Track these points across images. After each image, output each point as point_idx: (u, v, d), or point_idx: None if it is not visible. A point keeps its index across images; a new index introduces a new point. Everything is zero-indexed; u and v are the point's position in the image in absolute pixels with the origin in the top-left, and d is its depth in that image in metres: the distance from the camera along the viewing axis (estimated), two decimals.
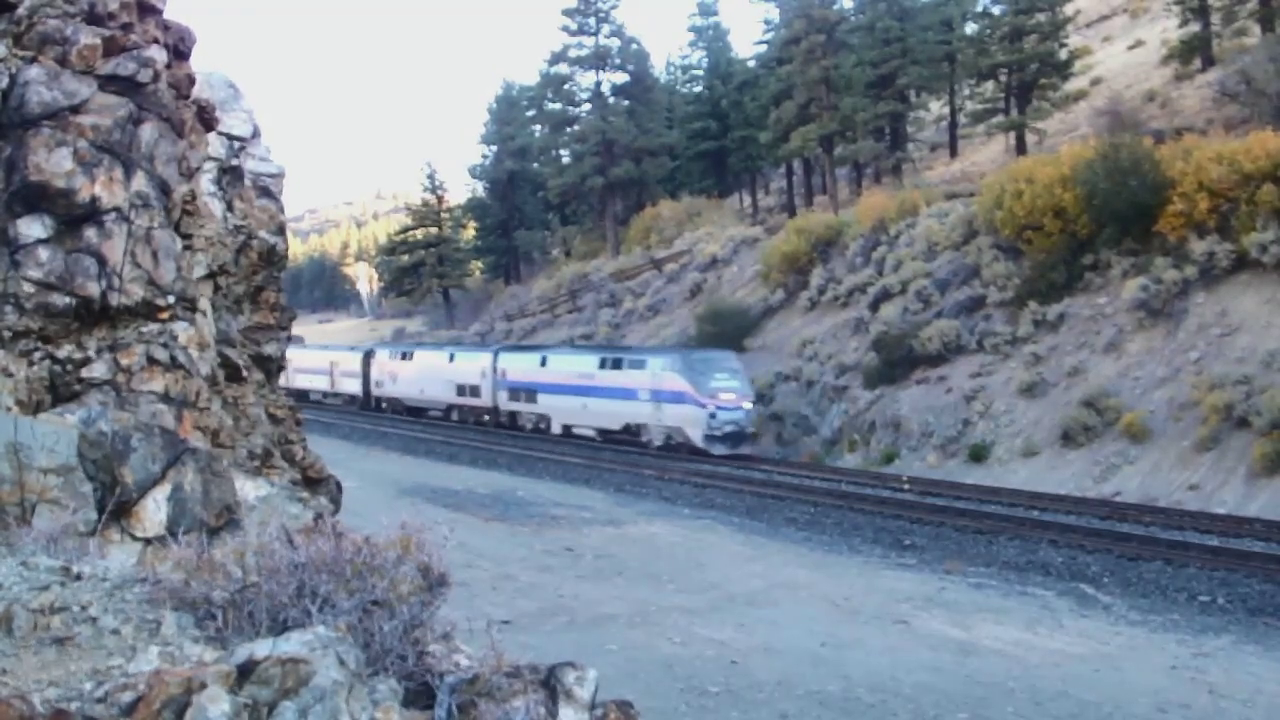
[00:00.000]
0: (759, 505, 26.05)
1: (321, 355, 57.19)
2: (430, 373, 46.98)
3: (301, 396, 52.02)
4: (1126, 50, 57.74)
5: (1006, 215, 35.22)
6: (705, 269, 53.85)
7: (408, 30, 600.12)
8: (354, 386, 53.60)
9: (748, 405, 33.46)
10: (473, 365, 44.32)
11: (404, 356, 50.16)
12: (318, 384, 56.18)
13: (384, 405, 50.73)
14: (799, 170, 63.14)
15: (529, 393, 40.80)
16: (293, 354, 60.26)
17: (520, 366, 41.78)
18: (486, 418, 43.25)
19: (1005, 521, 22.79)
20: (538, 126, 77.89)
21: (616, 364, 36.61)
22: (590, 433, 37.79)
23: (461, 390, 44.63)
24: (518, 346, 49.03)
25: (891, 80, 53.06)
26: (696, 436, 32.91)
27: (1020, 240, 35.03)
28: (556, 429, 39.30)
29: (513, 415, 42.04)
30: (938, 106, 61.13)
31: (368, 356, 52.94)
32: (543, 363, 40.62)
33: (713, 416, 32.54)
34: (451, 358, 46.33)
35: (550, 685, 4.39)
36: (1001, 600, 17.40)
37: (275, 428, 10.50)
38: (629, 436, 36.04)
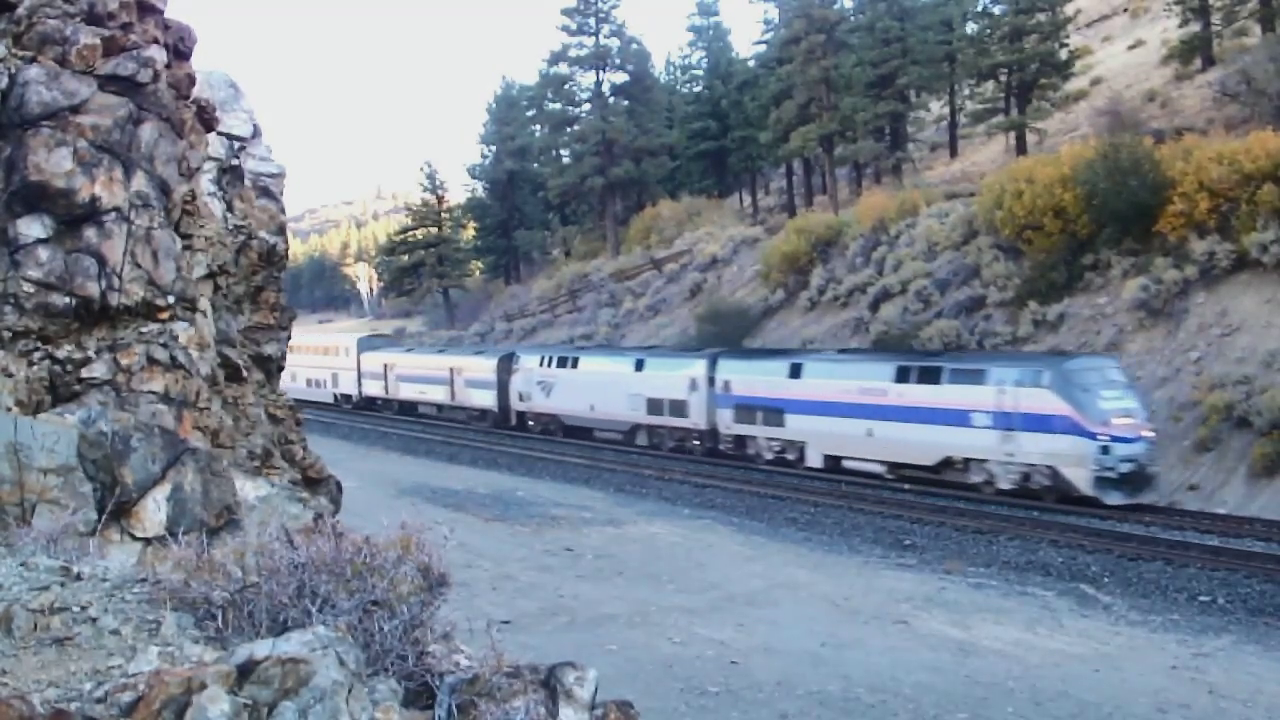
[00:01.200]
0: (759, 505, 26.05)
1: (437, 360, 47.28)
2: (606, 384, 36.29)
3: (406, 409, 49.01)
4: (1126, 50, 57.74)
5: (1006, 215, 35.22)
6: (705, 269, 53.87)
7: (408, 30, 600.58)
8: (485, 399, 43.27)
9: (1148, 434, 23.89)
10: (674, 376, 33.97)
11: (563, 363, 39.30)
12: (430, 395, 46.73)
13: (531, 423, 40.74)
14: (799, 170, 63.13)
15: (771, 412, 30.77)
16: (395, 357, 53.15)
17: (755, 378, 31.58)
18: (696, 443, 33.42)
19: (1005, 521, 22.79)
20: (538, 126, 77.91)
21: (930, 375, 26.60)
22: (875, 468, 28.14)
23: (656, 407, 34.34)
24: (748, 352, 36.74)
25: (891, 80, 53.06)
26: (1080, 479, 23.32)
27: (1020, 240, 35.03)
28: (814, 461, 29.69)
29: (739, 441, 32.23)
30: (938, 106, 61.11)
31: (507, 362, 42.32)
32: (794, 373, 30.34)
33: (1104, 451, 22.97)
34: (640, 365, 35.49)
35: (550, 685, 4.39)
36: (1001, 600, 17.40)
37: (275, 428, 10.51)
38: (950, 476, 26.52)
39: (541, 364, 40.29)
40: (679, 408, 33.78)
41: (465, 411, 45.30)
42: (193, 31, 9.17)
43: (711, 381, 32.75)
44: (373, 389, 52.05)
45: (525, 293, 70.15)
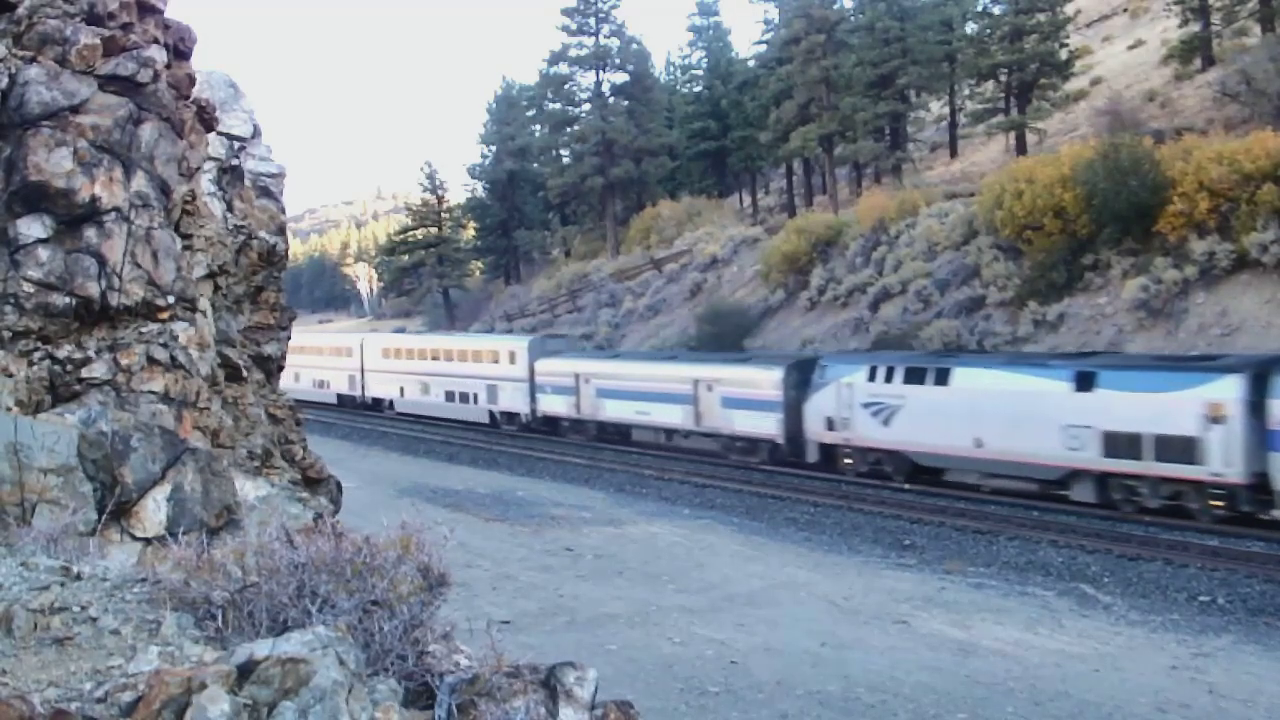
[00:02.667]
0: (759, 505, 26.04)
1: (670, 370, 34.14)
2: (1012, 409, 24.41)
3: (613, 434, 36.90)
4: (1126, 50, 57.75)
5: (1006, 215, 35.23)
6: (705, 269, 53.88)
7: (408, 30, 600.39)
8: (759, 425, 30.93)
9: None
10: (1170, 399, 21.77)
11: (918, 376, 26.99)
12: (657, 416, 34.30)
13: (847, 461, 28.93)
14: (799, 170, 63.14)
15: None
16: (594, 365, 38.11)
17: None
18: (1219, 503, 21.26)
19: (1005, 522, 22.79)
20: (538, 126, 77.92)
21: None
22: None
23: (1128, 446, 22.29)
24: None
25: (891, 80, 53.07)
26: None
27: (1020, 240, 35.04)
28: None
29: None
30: (938, 106, 61.13)
31: (802, 373, 30.35)
32: None
33: None
34: (1087, 380, 23.32)
35: (550, 685, 4.39)
36: (1001, 600, 17.40)
37: (275, 428, 10.51)
38: None
39: (874, 377, 27.91)
40: (1182, 448, 21.41)
41: (719, 441, 32.60)
42: (193, 31, 9.17)
43: (1257, 408, 20.64)
44: (555, 406, 38.99)
45: (525, 293, 70.14)
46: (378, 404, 50.58)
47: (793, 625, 15.91)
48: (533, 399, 40.06)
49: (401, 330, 69.76)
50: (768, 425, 30.63)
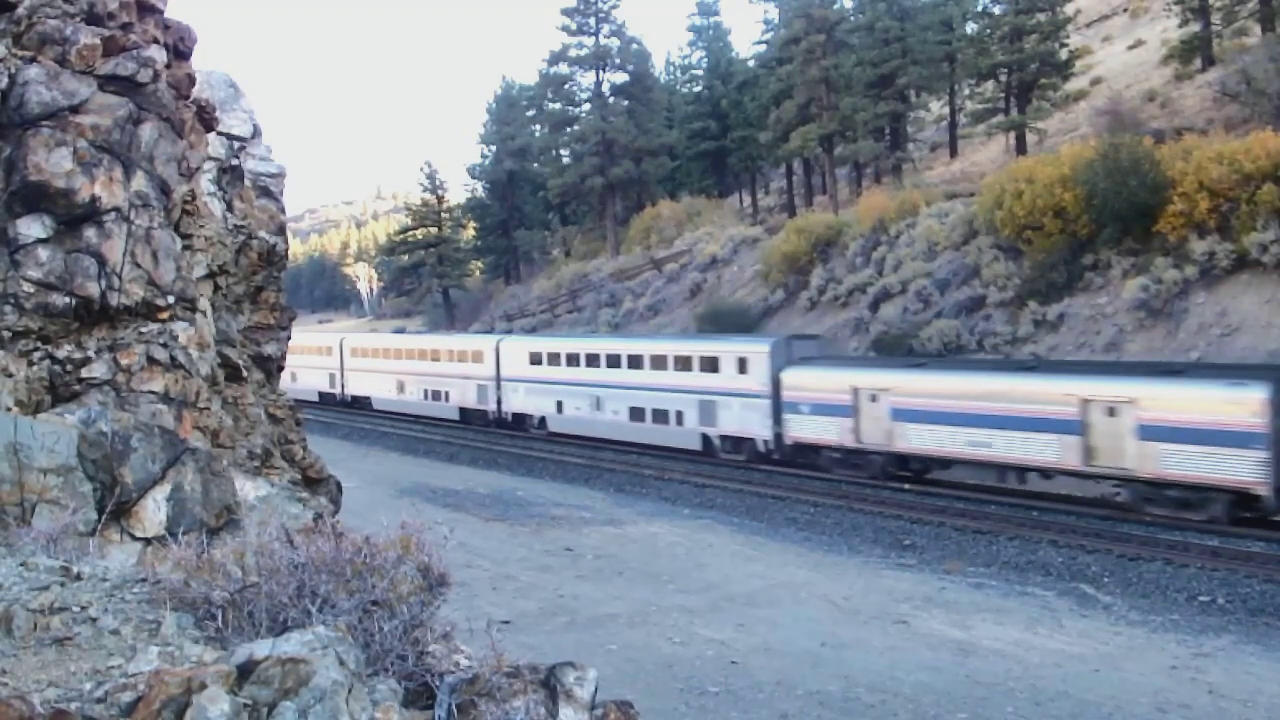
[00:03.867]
0: (759, 505, 26.04)
1: (1037, 386, 24.93)
2: None
3: (926, 468, 27.89)
4: (1126, 50, 57.75)
5: (1006, 215, 35.23)
6: (705, 269, 53.88)
7: (408, 30, 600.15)
8: (1224, 466, 21.37)
9: None
10: None
11: None
12: (1009, 448, 24.80)
13: None
14: (799, 170, 63.15)
15: None
16: (888, 379, 27.13)
17: None
18: None
19: (1005, 522, 22.78)
20: (538, 126, 77.96)
21: None
22: None
23: None
24: None
25: (891, 80, 53.08)
26: None
27: (1020, 240, 35.04)
28: None
29: None
30: (938, 106, 61.15)
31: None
32: None
33: None
34: None
35: (550, 685, 4.39)
36: (1001, 600, 17.40)
37: (275, 428, 10.51)
38: None
39: None
40: None
41: (1133, 487, 23.00)
42: (193, 31, 9.17)
43: None
44: (817, 431, 29.40)
45: (525, 293, 70.13)
46: (521, 421, 40.68)
47: (793, 625, 15.91)
48: (777, 420, 30.51)
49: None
50: (1236, 468, 21.13)
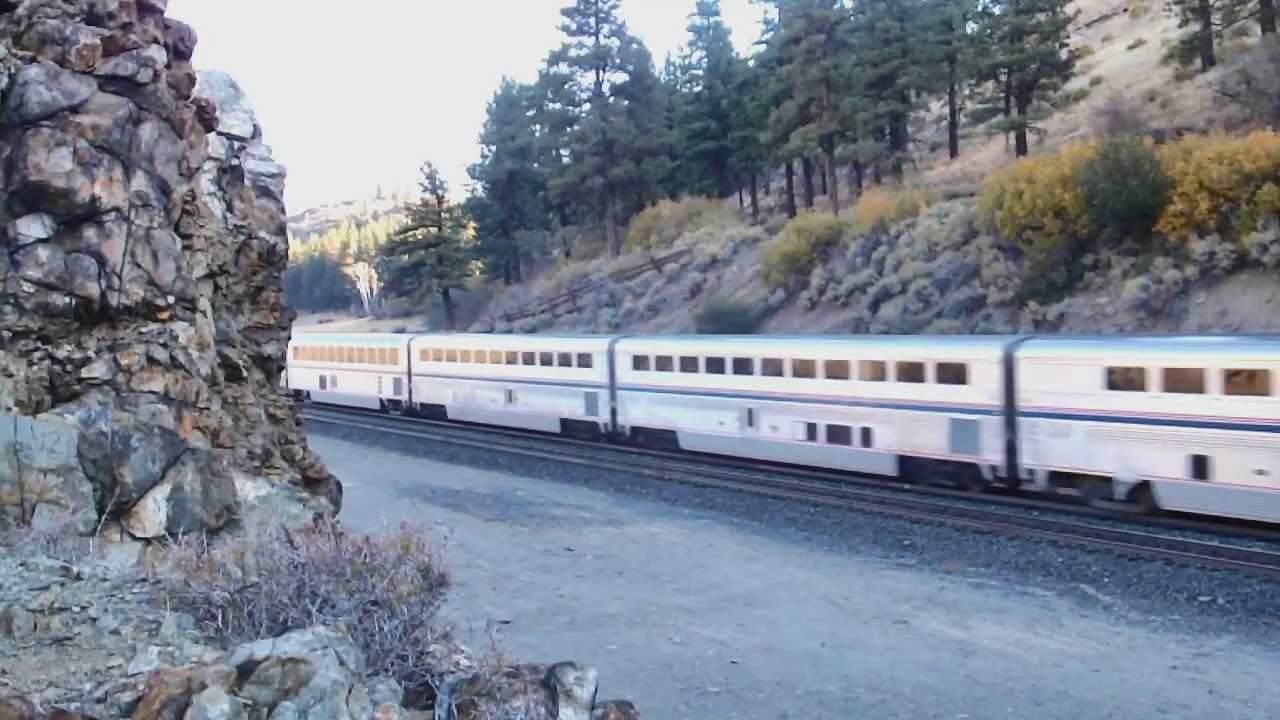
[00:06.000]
0: (759, 505, 26.03)
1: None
2: None
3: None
4: (1126, 50, 57.76)
5: (1006, 215, 35.23)
6: (705, 269, 53.89)
7: (408, 30, 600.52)
8: None
9: None
10: None
11: None
12: None
13: None
14: (799, 170, 63.16)
15: None
16: None
17: None
18: None
19: (1005, 522, 22.77)
20: (538, 126, 78.00)
21: None
22: None
23: None
24: None
25: (891, 80, 53.09)
26: None
27: (1020, 240, 35.04)
28: None
29: None
30: (938, 106, 61.16)
31: None
32: None
33: None
34: None
35: (550, 685, 4.39)
36: (1001, 600, 17.40)
37: (275, 428, 10.51)
38: None
39: None
40: None
41: None
42: (193, 31, 9.17)
43: None
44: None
45: (525, 293, 70.14)
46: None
47: (793, 625, 15.91)
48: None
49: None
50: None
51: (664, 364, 33.11)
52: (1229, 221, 29.70)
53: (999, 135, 51.86)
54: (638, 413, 34.09)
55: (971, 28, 53.48)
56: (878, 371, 26.74)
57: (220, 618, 4.63)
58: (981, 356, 25.17)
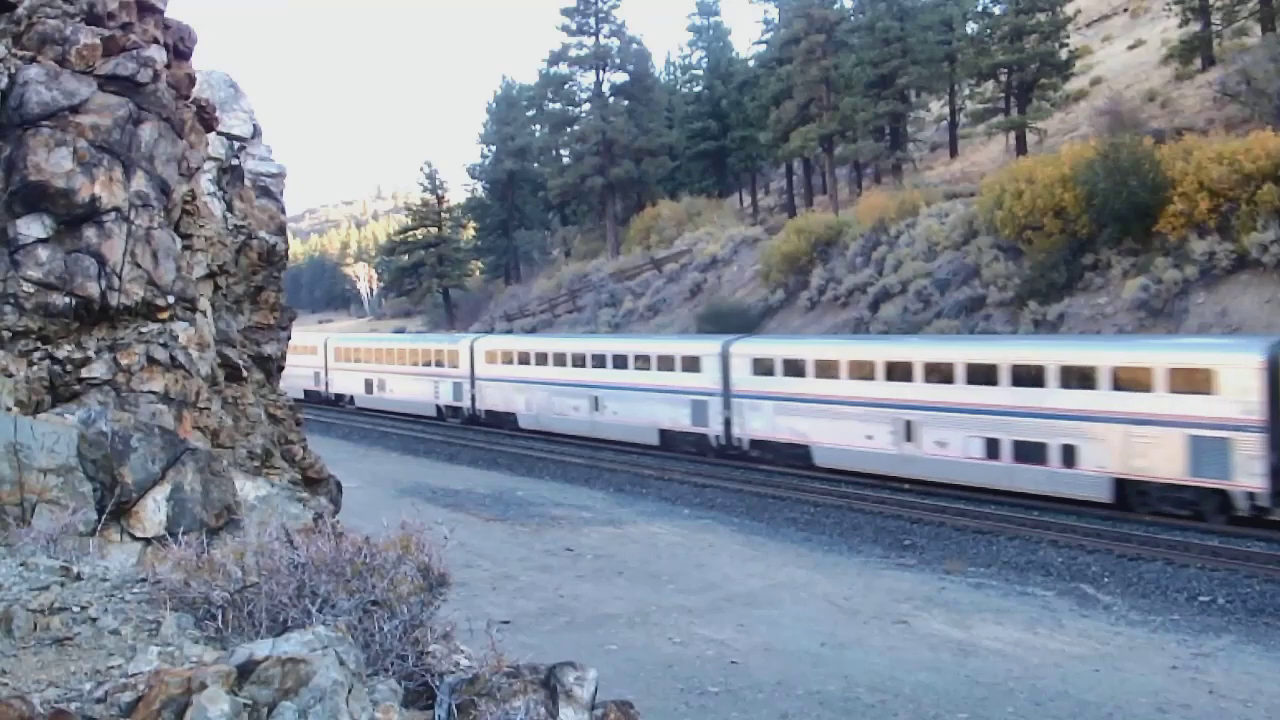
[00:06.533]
0: (759, 505, 26.03)
1: None
2: None
3: None
4: (1126, 50, 57.76)
5: (1006, 215, 35.23)
6: (705, 269, 53.90)
7: (408, 30, 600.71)
8: None
9: None
10: None
11: None
12: None
13: None
14: (799, 170, 63.17)
15: None
16: None
17: None
18: None
19: (1005, 522, 22.77)
20: (538, 126, 78.03)
21: None
22: None
23: None
24: None
25: (891, 80, 53.10)
26: None
27: (1020, 240, 35.04)
28: None
29: None
30: (938, 106, 61.17)
31: None
32: None
33: None
34: None
35: (550, 685, 4.39)
36: (1001, 600, 17.40)
37: (275, 428, 10.50)
38: None
39: None
40: None
41: None
42: (193, 31, 9.17)
43: None
44: None
45: (525, 293, 70.13)
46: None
47: (793, 625, 15.91)
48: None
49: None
50: None
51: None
52: (1229, 221, 29.70)
53: (999, 135, 51.86)
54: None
55: (971, 28, 53.50)
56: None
57: (220, 618, 4.63)
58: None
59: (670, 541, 22.33)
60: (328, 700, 3.91)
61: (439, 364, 44.61)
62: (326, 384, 53.18)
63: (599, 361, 36.11)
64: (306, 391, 52.11)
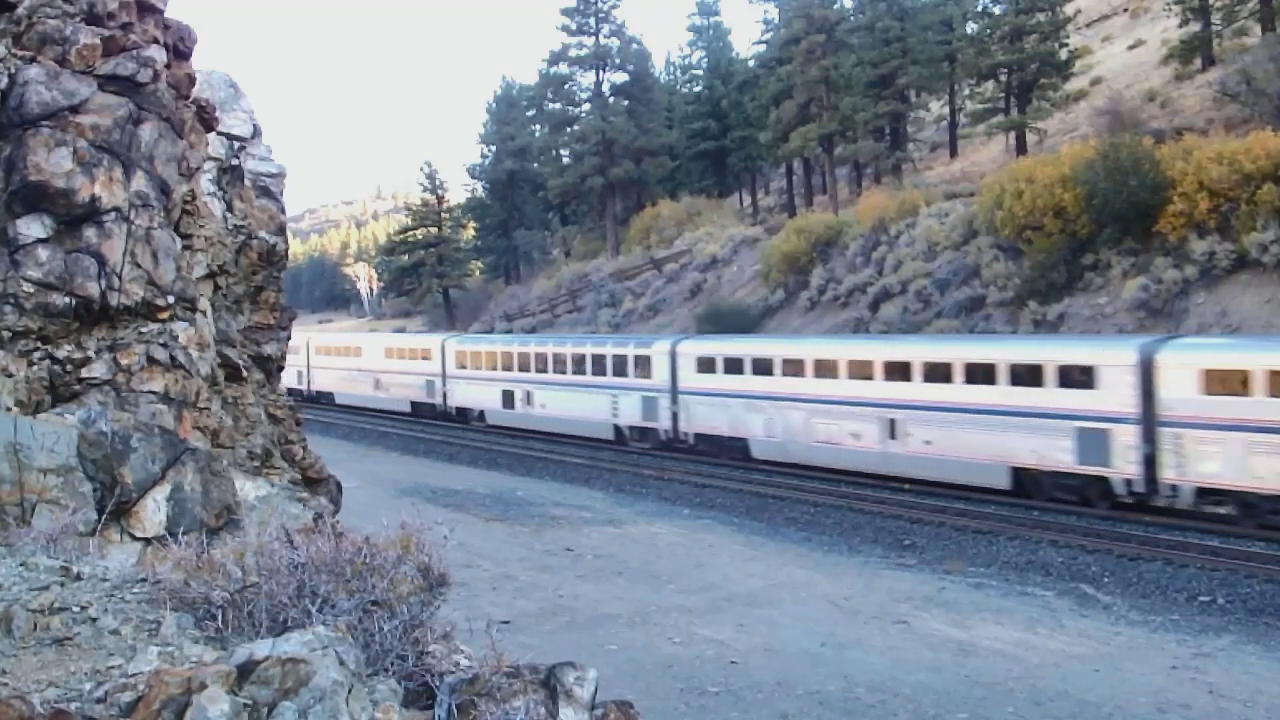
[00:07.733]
0: (759, 505, 26.03)
1: None
2: None
3: None
4: (1126, 50, 57.76)
5: (1006, 215, 35.23)
6: (705, 269, 53.90)
7: (408, 30, 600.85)
8: None
9: None
10: None
11: None
12: None
13: None
14: (799, 170, 63.16)
15: None
16: None
17: None
18: None
19: (1005, 522, 22.77)
20: (538, 126, 78.04)
21: None
22: None
23: None
24: None
25: (891, 80, 53.09)
26: None
27: (1020, 240, 35.04)
28: None
29: None
30: (938, 106, 61.17)
31: None
32: None
33: None
34: None
35: (550, 685, 4.39)
36: (1001, 600, 17.39)
37: (275, 428, 10.50)
38: None
39: None
40: None
41: None
42: (193, 31, 9.17)
43: None
44: None
45: (525, 293, 70.13)
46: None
47: (793, 625, 15.90)
48: None
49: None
50: None
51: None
52: (1229, 221, 29.70)
53: (999, 135, 51.86)
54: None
55: (971, 28, 53.49)
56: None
57: (220, 618, 4.63)
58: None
59: (670, 541, 22.32)
60: (328, 700, 3.91)
61: (618, 372, 35.39)
62: (444, 395, 44.37)
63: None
64: (415, 404, 45.79)
